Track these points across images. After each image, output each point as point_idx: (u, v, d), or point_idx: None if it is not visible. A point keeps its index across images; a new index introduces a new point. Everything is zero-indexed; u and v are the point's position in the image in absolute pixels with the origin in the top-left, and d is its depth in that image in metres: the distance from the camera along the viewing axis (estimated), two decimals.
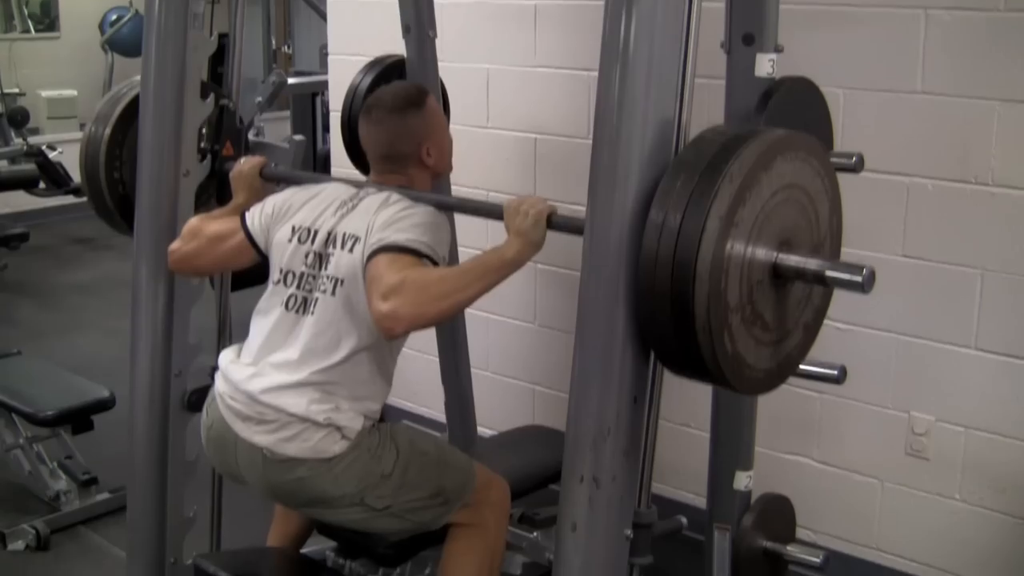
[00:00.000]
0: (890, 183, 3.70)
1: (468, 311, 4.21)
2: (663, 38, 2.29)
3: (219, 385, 3.09)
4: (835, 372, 3.00)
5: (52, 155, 9.59)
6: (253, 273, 4.94)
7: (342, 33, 5.35)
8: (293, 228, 3.08)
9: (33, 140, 10.32)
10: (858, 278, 2.31)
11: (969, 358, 3.68)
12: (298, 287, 3.03)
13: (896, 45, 3.65)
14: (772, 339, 2.38)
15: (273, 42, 11.12)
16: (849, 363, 3.02)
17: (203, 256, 3.26)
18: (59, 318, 7.84)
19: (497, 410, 4.86)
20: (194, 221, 3.28)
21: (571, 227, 2.64)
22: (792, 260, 2.32)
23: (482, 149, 4.73)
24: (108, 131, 3.65)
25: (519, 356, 4.91)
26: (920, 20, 3.59)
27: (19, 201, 9.94)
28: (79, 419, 4.66)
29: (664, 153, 2.29)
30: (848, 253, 3.78)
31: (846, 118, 3.65)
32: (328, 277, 2.98)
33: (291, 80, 7.91)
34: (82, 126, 11.81)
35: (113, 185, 3.69)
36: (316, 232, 3.04)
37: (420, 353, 4.61)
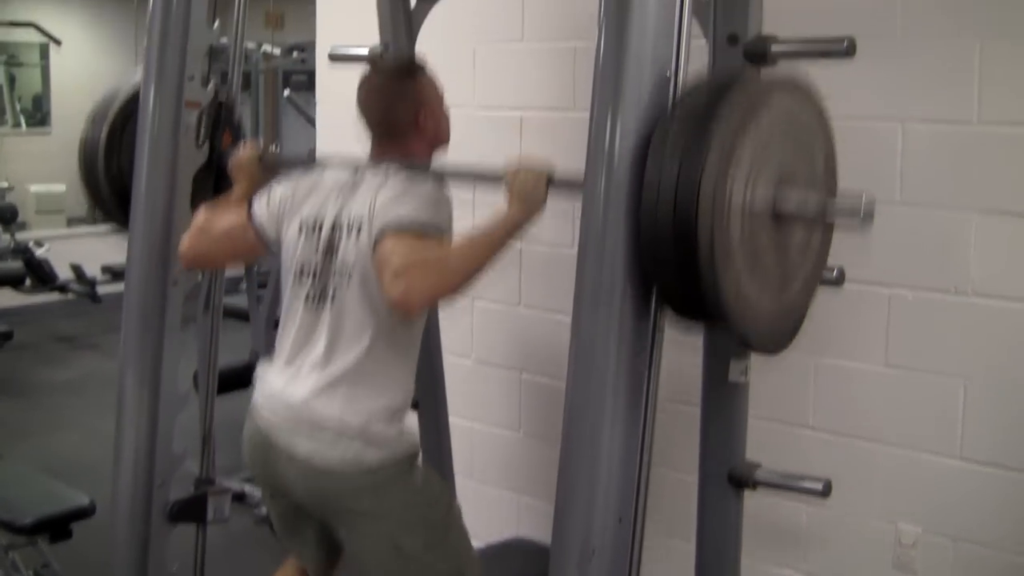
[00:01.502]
0: (871, 293, 3.72)
1: (452, 418, 4.22)
2: (647, 143, 2.33)
3: (258, 396, 3.11)
4: (819, 486, 3.02)
5: (39, 252, 9.62)
6: (238, 377, 4.95)
7: (330, 140, 5.36)
8: (301, 223, 3.09)
9: (20, 235, 10.35)
10: (858, 207, 2.37)
11: (955, 468, 3.67)
12: (314, 280, 3.04)
13: (874, 157, 3.69)
14: (774, 283, 2.42)
15: (261, 143, 11.16)
16: (834, 474, 3.03)
17: (214, 251, 3.28)
18: (41, 417, 7.78)
19: (482, 520, 4.82)
20: (201, 217, 3.26)
21: (571, 184, 2.67)
22: (792, 196, 2.37)
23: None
24: (104, 134, 3.73)
25: (504, 465, 4.90)
26: (897, 132, 3.64)
27: (3, 298, 9.92)
28: (57, 527, 4.61)
29: (661, 106, 2.35)
30: (830, 364, 3.84)
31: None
32: (340, 266, 2.98)
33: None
34: (70, 221, 11.90)
35: (112, 179, 3.76)
36: (322, 223, 3.05)
37: None
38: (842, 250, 3.48)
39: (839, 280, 3.06)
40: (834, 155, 2.61)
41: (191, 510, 3.68)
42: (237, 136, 3.76)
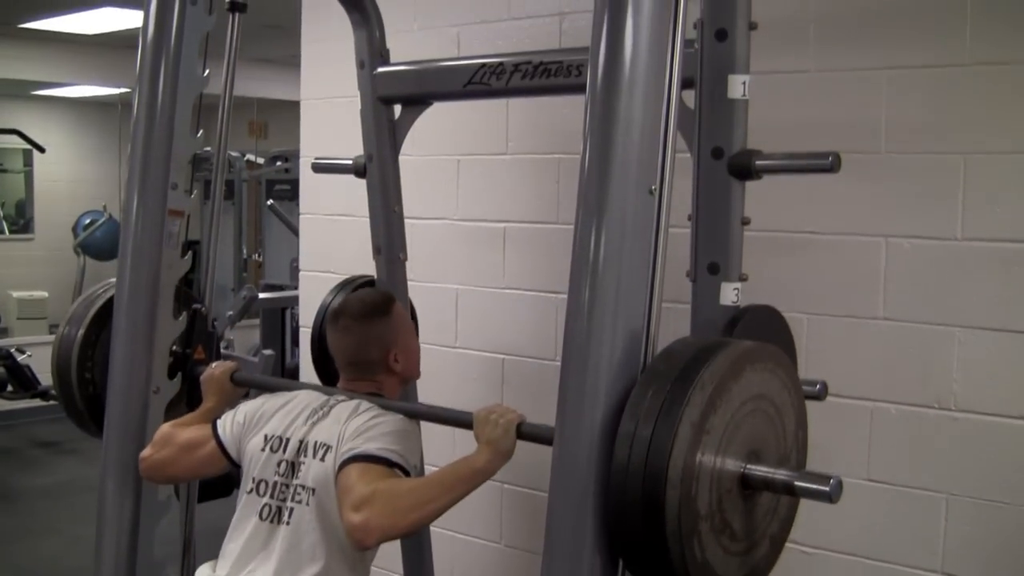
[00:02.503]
0: (854, 407, 3.72)
1: (433, 528, 4.19)
2: (632, 256, 2.35)
3: None
4: None
5: (21, 358, 9.61)
6: (219, 485, 4.92)
7: (313, 249, 5.40)
8: (265, 437, 3.08)
9: (2, 341, 10.36)
10: (825, 488, 2.33)
11: None
12: (271, 496, 3.02)
13: (858, 272, 3.71)
14: (740, 549, 2.38)
15: (244, 250, 11.22)
16: None
17: (174, 464, 3.24)
18: (22, 523, 7.73)
19: None
20: (165, 428, 3.27)
21: (541, 437, 2.66)
22: (761, 470, 2.35)
23: (450, 367, 4.75)
24: (81, 332, 3.68)
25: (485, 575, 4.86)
26: (881, 248, 3.66)
27: None
28: None
29: (633, 366, 2.33)
30: None
31: (809, 343, 3.69)
32: (301, 486, 2.97)
33: (262, 295, 7.98)
34: (52, 327, 11.88)
35: (84, 385, 3.68)
36: (288, 440, 3.04)
37: (386, 570, 4.57)
38: (825, 364, 3.52)
39: (822, 394, 3.06)
40: (806, 430, 2.63)
41: None
42: (210, 350, 3.78)
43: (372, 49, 3.85)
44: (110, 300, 3.61)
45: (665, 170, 2.38)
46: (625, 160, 2.34)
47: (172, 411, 3.57)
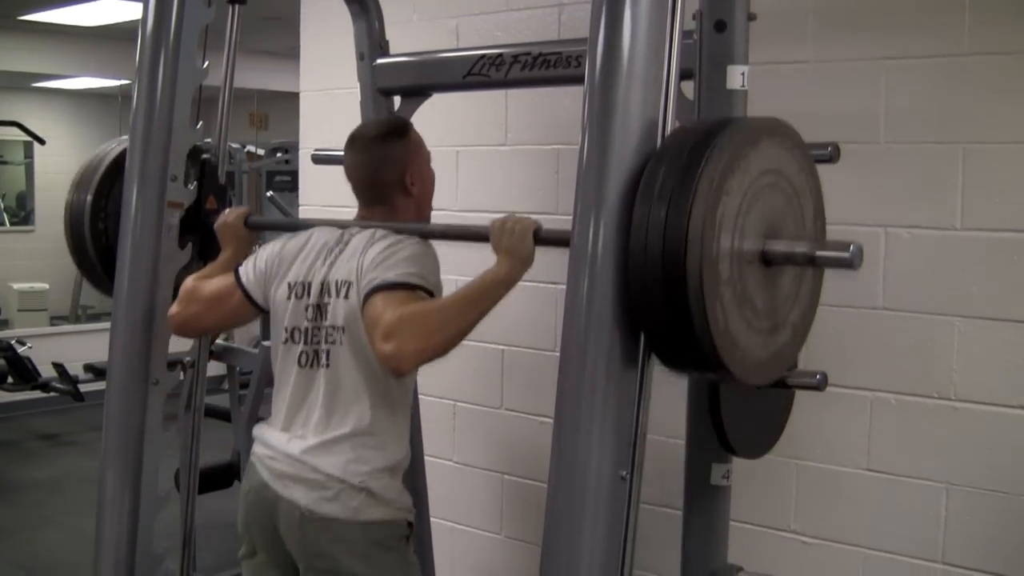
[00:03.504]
0: (853, 397, 3.72)
1: (433, 519, 4.20)
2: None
3: (257, 449, 3.10)
4: None
5: (21, 350, 9.58)
6: (220, 477, 4.92)
7: None
8: (289, 285, 3.10)
9: (3, 333, 10.34)
10: (846, 254, 2.34)
11: (937, 572, 3.65)
12: (306, 342, 3.05)
13: None
14: (763, 327, 2.39)
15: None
16: None
17: (205, 317, 3.27)
18: (21, 515, 7.71)
19: None
20: (189, 283, 3.28)
21: (558, 240, 2.68)
22: (781, 243, 2.37)
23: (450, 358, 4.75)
24: (96, 181, 3.76)
25: (485, 567, 4.85)
26: (880, 238, 3.66)
27: None
28: None
29: (648, 149, 2.34)
30: (811, 466, 3.84)
31: (809, 333, 3.68)
32: (331, 327, 3.00)
33: None
34: (53, 319, 11.90)
35: (97, 237, 3.73)
36: (310, 284, 3.06)
37: None
38: (825, 354, 3.51)
39: (822, 384, 3.05)
40: (823, 220, 2.62)
41: None
42: (222, 200, 3.76)
43: (371, 40, 3.85)
44: (118, 156, 3.67)
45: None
46: (623, 151, 2.33)
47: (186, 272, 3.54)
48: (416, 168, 3.24)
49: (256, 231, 3.48)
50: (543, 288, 4.27)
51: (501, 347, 4.64)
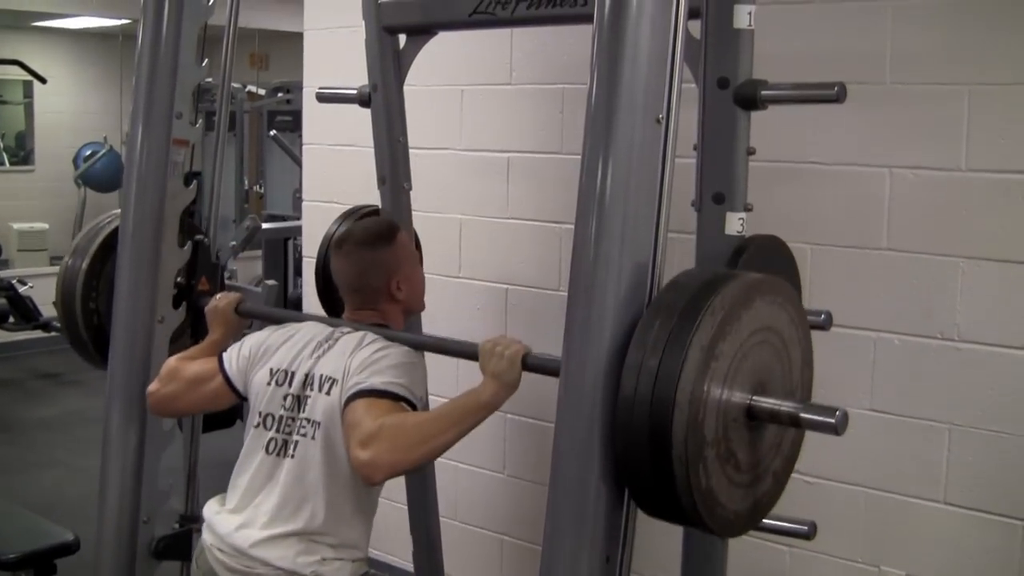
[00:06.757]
0: (857, 338, 3.74)
1: (437, 459, 4.21)
2: (640, 185, 2.34)
3: (206, 537, 3.07)
4: (805, 528, 3.02)
5: (22, 289, 9.60)
6: (223, 415, 4.94)
7: (316, 180, 5.41)
8: (271, 371, 3.08)
9: (3, 273, 10.34)
10: (831, 420, 2.33)
11: (939, 512, 3.68)
12: (278, 430, 3.02)
13: (862, 203, 3.71)
14: (744, 480, 2.39)
15: (246, 182, 11.20)
16: (819, 516, 3.04)
17: (182, 399, 3.24)
18: (24, 454, 7.75)
19: (465, 560, 4.83)
20: (172, 362, 3.27)
21: (546, 369, 2.66)
22: (767, 401, 2.35)
23: (454, 297, 4.78)
24: (86, 263, 3.67)
25: (488, 505, 4.89)
26: (885, 179, 3.66)
27: None
28: (42, 563, 4.58)
29: (639, 296, 2.33)
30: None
31: (813, 273, 3.70)
32: (307, 420, 2.97)
33: (265, 225, 7.96)
34: (52, 259, 11.89)
35: (88, 315, 3.68)
36: (293, 374, 3.04)
37: (389, 501, 4.57)
38: (829, 294, 3.52)
39: (826, 324, 3.06)
40: (811, 369, 2.62)
41: (176, 547, 3.67)
42: (214, 282, 3.79)
43: None
44: (114, 231, 3.61)
45: (672, 99, 2.38)
46: (632, 89, 2.33)
47: (176, 344, 3.59)
48: (403, 274, 3.24)
49: (246, 318, 3.48)
50: (547, 227, 4.28)
51: (505, 286, 4.67)
